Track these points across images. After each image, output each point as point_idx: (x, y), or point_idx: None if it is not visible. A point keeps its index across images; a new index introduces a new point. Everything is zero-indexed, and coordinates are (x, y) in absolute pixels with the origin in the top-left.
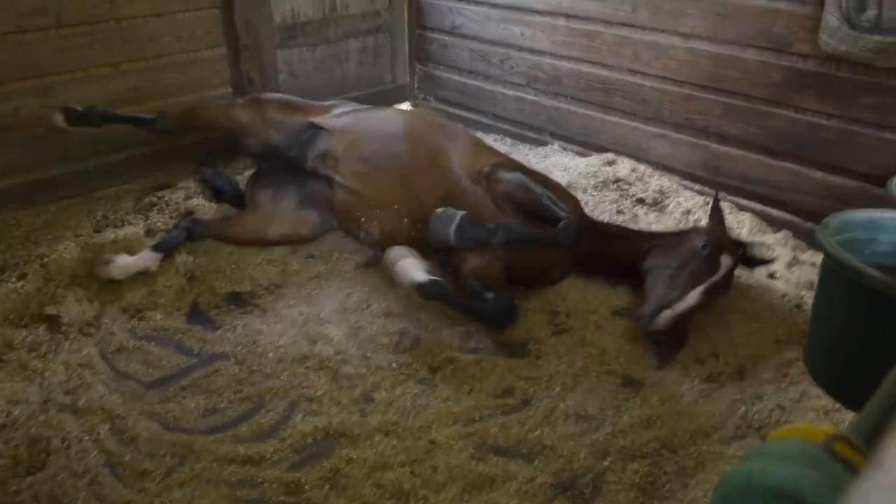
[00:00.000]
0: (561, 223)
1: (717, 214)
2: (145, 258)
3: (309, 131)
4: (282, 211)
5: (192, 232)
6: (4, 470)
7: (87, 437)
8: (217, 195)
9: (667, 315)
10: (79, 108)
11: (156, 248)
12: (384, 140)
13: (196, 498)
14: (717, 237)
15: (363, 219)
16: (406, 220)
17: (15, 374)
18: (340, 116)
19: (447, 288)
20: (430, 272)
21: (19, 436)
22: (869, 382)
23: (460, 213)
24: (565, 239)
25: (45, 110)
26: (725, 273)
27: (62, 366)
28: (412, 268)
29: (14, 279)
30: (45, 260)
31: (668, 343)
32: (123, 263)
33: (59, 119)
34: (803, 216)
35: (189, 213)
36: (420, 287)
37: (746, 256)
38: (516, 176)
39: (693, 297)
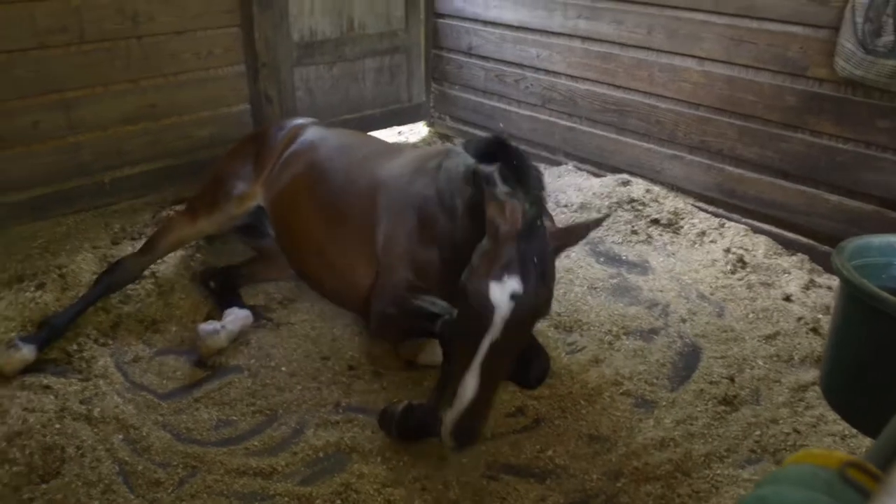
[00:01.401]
0: (437, 329)
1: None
2: (243, 315)
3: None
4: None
5: (236, 282)
6: (19, 476)
7: (101, 447)
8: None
9: (445, 428)
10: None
11: (240, 306)
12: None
13: None
14: (483, 261)
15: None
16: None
17: (31, 383)
18: (273, 185)
19: None
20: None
21: (34, 443)
22: (885, 408)
23: (401, 406)
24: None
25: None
26: (509, 319)
27: (77, 375)
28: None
29: (32, 289)
30: (63, 270)
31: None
32: (230, 329)
33: (24, 351)
34: (819, 239)
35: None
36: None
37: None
38: (398, 302)
39: (467, 390)
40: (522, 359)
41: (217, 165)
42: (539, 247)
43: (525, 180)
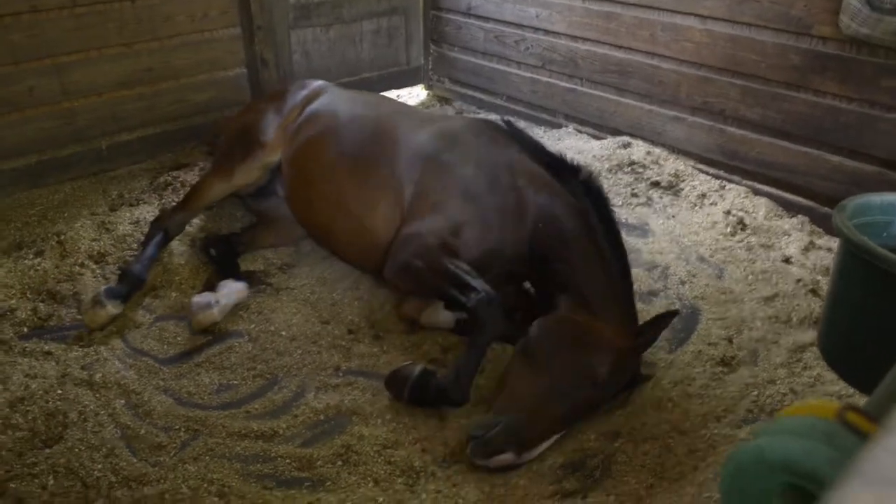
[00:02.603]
0: (471, 304)
1: (652, 335)
2: (238, 288)
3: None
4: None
5: (235, 250)
6: (22, 442)
7: (103, 412)
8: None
9: (503, 460)
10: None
11: (234, 277)
12: (326, 179)
13: (209, 471)
14: (619, 372)
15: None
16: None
17: (32, 349)
18: (293, 139)
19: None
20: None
21: (37, 409)
22: (884, 366)
23: (417, 370)
24: (484, 320)
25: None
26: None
27: (79, 341)
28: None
29: (31, 256)
30: (62, 237)
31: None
32: (224, 303)
33: (109, 307)
34: (820, 201)
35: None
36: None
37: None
38: (428, 255)
39: (545, 446)
40: None
41: (239, 120)
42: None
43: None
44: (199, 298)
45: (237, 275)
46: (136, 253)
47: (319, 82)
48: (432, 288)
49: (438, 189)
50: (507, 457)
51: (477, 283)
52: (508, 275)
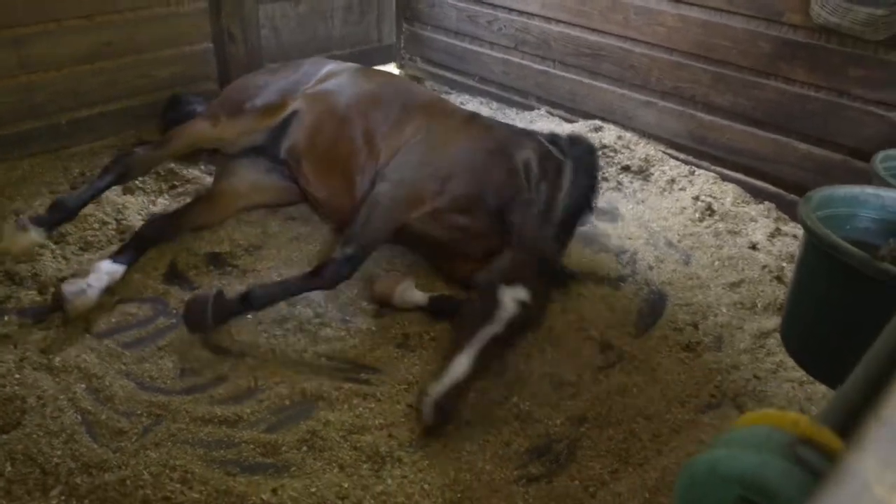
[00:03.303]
0: (338, 254)
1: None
2: (110, 271)
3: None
4: (248, 181)
5: (160, 234)
6: None
7: (62, 396)
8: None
9: (426, 403)
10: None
11: (115, 258)
12: (338, 129)
13: (172, 458)
14: (502, 267)
15: (326, 214)
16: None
17: None
18: (317, 91)
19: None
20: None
21: None
22: (842, 358)
23: (211, 296)
24: (328, 281)
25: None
26: (513, 318)
27: (37, 324)
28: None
29: None
30: (21, 216)
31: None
32: (98, 286)
33: (32, 233)
34: (786, 188)
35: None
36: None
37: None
38: (381, 191)
39: (458, 367)
40: None
41: (245, 78)
42: (551, 271)
43: (581, 202)
44: (70, 286)
45: (123, 258)
46: (97, 233)
47: (342, 63)
48: (365, 213)
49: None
50: (426, 399)
51: (368, 245)
52: (486, 233)
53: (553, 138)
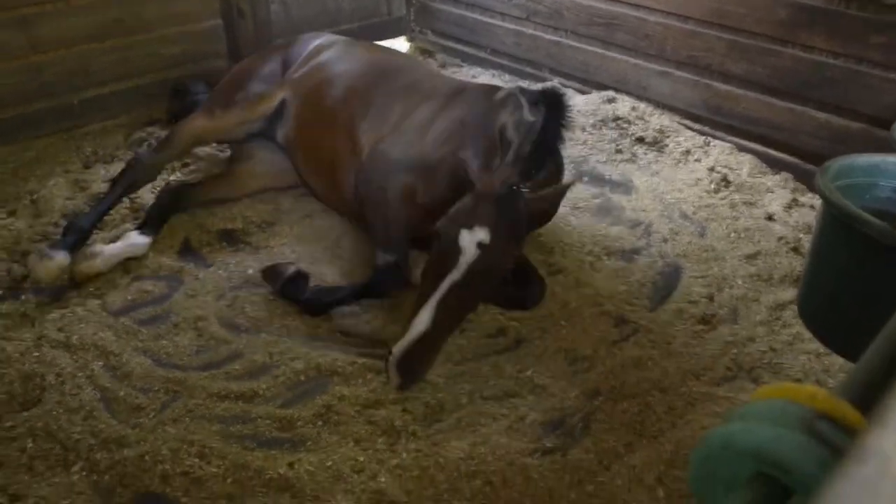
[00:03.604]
0: (377, 261)
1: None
2: (133, 243)
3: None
4: (264, 163)
5: (179, 202)
6: (0, 405)
7: (80, 374)
8: None
9: (391, 366)
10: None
11: (142, 229)
12: (320, 125)
13: (190, 433)
14: (459, 211)
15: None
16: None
17: (7, 311)
18: (301, 77)
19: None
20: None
21: (13, 371)
22: (861, 330)
23: (292, 269)
24: (383, 286)
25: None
26: (473, 263)
27: (54, 303)
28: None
29: (4, 215)
30: (35, 196)
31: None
32: (110, 253)
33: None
34: (804, 158)
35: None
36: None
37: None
38: (390, 192)
39: (419, 323)
40: (518, 281)
41: (236, 68)
42: (513, 209)
43: (547, 140)
44: (87, 249)
45: (149, 230)
46: (111, 212)
47: (331, 37)
48: (373, 218)
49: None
50: (390, 359)
51: (397, 246)
52: None
53: (529, 94)
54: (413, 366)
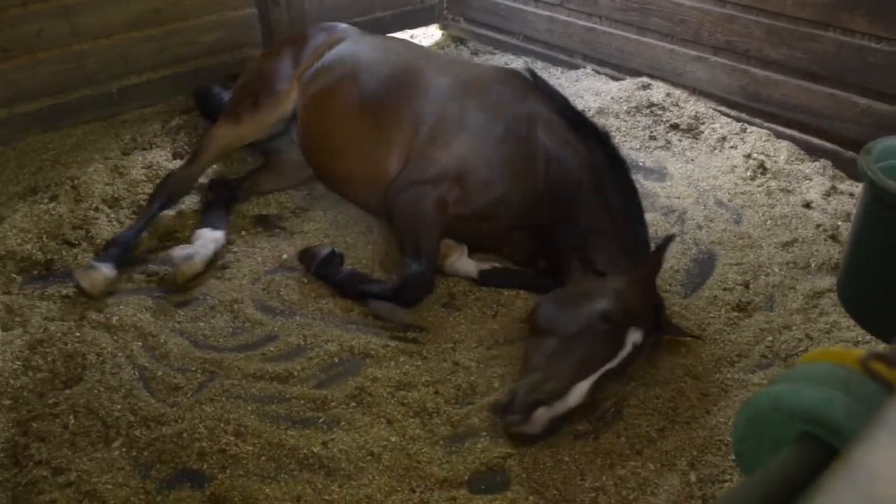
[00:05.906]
0: (405, 271)
1: (654, 262)
2: (214, 238)
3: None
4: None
5: (232, 196)
6: (43, 383)
7: (120, 353)
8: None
9: (541, 415)
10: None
11: (213, 226)
12: (329, 137)
13: (226, 412)
14: (628, 303)
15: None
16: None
17: (51, 293)
18: (309, 79)
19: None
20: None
21: (56, 350)
22: None
23: (325, 250)
24: (412, 295)
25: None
26: (628, 356)
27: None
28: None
29: (46, 200)
30: (76, 182)
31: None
32: (204, 252)
33: (103, 270)
34: (845, 145)
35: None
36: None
37: (661, 324)
38: (417, 203)
39: (577, 393)
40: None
41: (252, 68)
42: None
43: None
44: (179, 251)
45: (216, 224)
46: (148, 197)
47: (342, 26)
48: (403, 234)
49: (451, 134)
50: (542, 410)
51: (427, 256)
52: (518, 226)
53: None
54: (555, 427)
